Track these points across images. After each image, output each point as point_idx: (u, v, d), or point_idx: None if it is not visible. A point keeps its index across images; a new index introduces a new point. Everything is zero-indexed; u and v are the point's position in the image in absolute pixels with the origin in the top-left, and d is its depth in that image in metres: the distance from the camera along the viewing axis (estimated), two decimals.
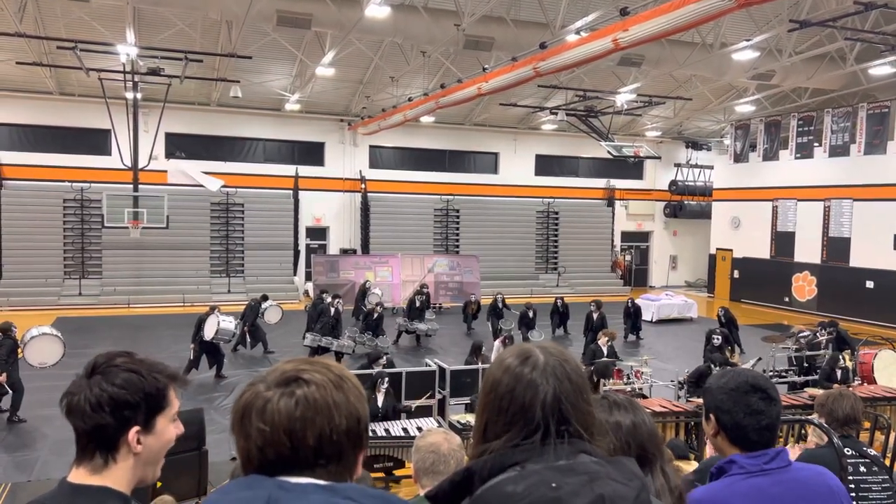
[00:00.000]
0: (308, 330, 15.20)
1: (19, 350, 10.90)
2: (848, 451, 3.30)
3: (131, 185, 20.08)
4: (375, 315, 16.00)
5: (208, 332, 13.26)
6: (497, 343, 15.01)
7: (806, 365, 12.50)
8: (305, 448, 1.26)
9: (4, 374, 10.48)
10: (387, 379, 9.15)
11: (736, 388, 2.12)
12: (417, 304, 18.11)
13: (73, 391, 1.52)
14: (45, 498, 1.52)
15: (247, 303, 16.72)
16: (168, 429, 1.58)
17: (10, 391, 10.61)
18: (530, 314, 17.69)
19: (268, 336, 16.05)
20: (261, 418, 1.27)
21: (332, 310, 14.85)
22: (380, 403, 8.93)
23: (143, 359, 1.57)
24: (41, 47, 18.99)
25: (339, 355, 14.29)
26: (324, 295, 16.55)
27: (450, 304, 23.21)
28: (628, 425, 1.96)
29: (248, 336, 15.78)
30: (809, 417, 3.63)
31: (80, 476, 1.52)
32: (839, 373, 11.22)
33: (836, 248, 23.40)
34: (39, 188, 22.92)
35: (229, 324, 13.50)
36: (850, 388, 10.53)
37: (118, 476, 1.53)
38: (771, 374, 11.90)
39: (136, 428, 1.52)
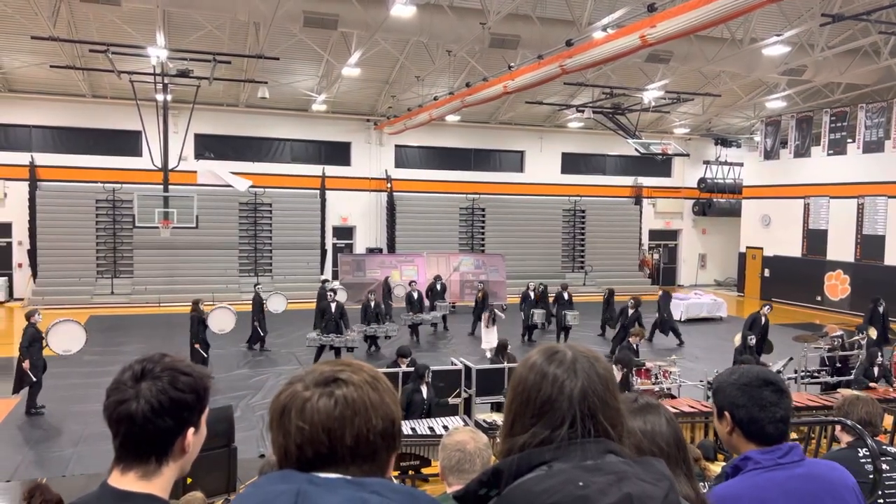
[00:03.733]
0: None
1: (44, 342, 11.05)
2: (866, 451, 3.25)
3: (161, 186, 20.39)
4: (373, 305, 15.92)
5: (224, 326, 13.39)
6: (484, 316, 16.17)
7: (839, 365, 12.27)
8: (343, 447, 1.29)
9: (27, 361, 10.67)
10: (429, 372, 9.12)
11: (748, 382, 2.14)
12: (438, 287, 18.96)
13: (125, 398, 1.49)
14: (87, 501, 1.52)
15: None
16: (204, 425, 1.62)
17: (34, 379, 10.79)
18: (565, 295, 17.89)
19: (287, 333, 16.17)
20: (300, 417, 1.29)
21: (333, 305, 14.61)
22: (425, 395, 8.92)
23: (182, 359, 1.59)
24: (74, 51, 19.37)
25: (346, 350, 14.21)
26: (326, 283, 17.04)
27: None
28: (647, 431, 1.93)
29: (259, 331, 15.89)
30: (841, 418, 3.57)
31: (126, 482, 1.51)
32: (876, 370, 11.01)
33: (871, 246, 22.93)
34: (72, 189, 23.38)
35: (230, 312, 13.74)
36: (885, 391, 10.34)
37: (167, 479, 1.54)
38: (803, 374, 11.71)
39: (192, 429, 1.55)
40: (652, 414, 2.01)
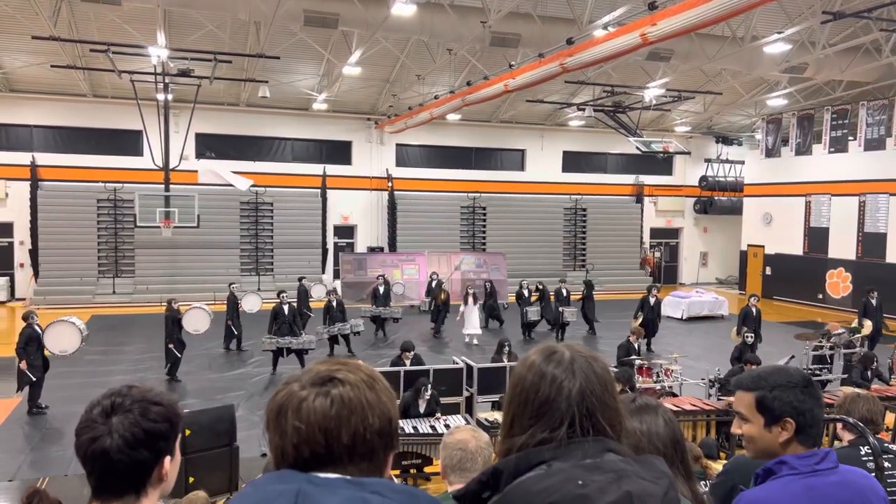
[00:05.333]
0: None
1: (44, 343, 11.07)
2: (867, 449, 3.25)
3: (163, 185, 20.40)
4: (335, 304, 15.60)
5: (199, 326, 13.35)
6: (468, 304, 16.98)
7: (840, 363, 12.27)
8: (339, 446, 1.28)
9: (24, 361, 10.69)
10: (430, 387, 8.96)
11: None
12: (433, 284, 19.13)
13: (97, 434, 1.48)
14: None
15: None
16: (178, 451, 1.60)
17: (33, 378, 10.81)
18: (563, 292, 17.98)
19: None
20: (297, 416, 1.29)
21: (286, 308, 14.29)
22: (422, 409, 8.85)
23: (150, 388, 1.58)
24: (75, 50, 19.37)
25: (303, 352, 14.04)
26: (303, 280, 17.69)
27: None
28: (643, 431, 1.92)
29: (234, 329, 15.79)
30: (843, 416, 3.57)
31: None
32: (869, 373, 11.02)
33: (872, 243, 22.90)
34: (74, 189, 23.39)
35: (205, 312, 13.71)
36: (886, 388, 10.33)
37: None
38: (806, 371, 11.69)
39: (168, 458, 1.54)
40: (649, 414, 2.00)
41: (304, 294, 17.62)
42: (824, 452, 2.03)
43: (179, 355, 13.11)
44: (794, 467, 1.99)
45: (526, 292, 18.26)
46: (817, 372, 11.99)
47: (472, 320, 16.92)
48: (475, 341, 16.77)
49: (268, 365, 14.27)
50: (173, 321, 13.10)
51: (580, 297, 18.51)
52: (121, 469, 1.48)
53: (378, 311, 17.58)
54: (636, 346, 12.56)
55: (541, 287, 18.38)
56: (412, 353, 10.59)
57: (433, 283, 19.50)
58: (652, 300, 16.80)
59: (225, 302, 16.39)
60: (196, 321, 13.64)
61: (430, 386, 8.98)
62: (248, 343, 15.92)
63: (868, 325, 14.93)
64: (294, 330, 14.14)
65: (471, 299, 17.05)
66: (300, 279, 18.91)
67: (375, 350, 15.99)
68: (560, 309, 17.52)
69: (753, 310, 14.79)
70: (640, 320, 16.72)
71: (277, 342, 13.80)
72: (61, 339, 11.19)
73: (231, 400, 10.62)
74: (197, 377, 13.53)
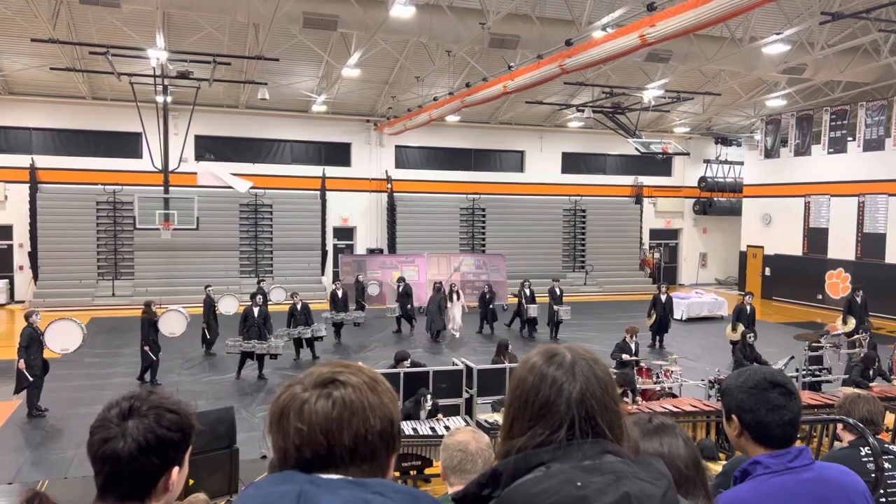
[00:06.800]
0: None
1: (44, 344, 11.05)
2: (867, 450, 3.25)
3: (162, 188, 20.39)
4: (299, 307, 15.26)
5: (175, 329, 13.30)
6: (453, 301, 17.85)
7: (841, 364, 12.27)
8: (341, 448, 1.29)
9: (23, 361, 10.68)
10: (430, 397, 8.91)
11: (755, 385, 2.10)
12: (400, 288, 19.38)
13: (111, 436, 1.48)
14: None
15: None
16: (187, 463, 1.59)
17: (30, 379, 10.80)
18: (557, 291, 18.16)
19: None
20: (299, 418, 1.30)
21: (256, 310, 14.03)
22: (422, 419, 8.82)
23: (168, 396, 1.58)
24: (74, 53, 19.38)
25: (271, 357, 13.90)
26: (262, 284, 17.45)
27: (473, 303, 23.17)
28: (664, 454, 1.90)
29: (206, 333, 15.68)
30: (843, 417, 3.57)
31: None
32: (871, 372, 11.03)
33: (872, 244, 22.92)
34: (73, 191, 23.39)
35: (181, 315, 13.66)
36: (886, 389, 10.32)
37: None
38: (804, 372, 11.71)
39: (176, 468, 1.53)
40: (668, 435, 1.98)
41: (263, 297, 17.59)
42: (797, 450, 2.09)
43: (155, 358, 12.95)
44: (768, 466, 2.06)
45: (528, 292, 18.32)
46: (817, 373, 12.00)
47: (455, 316, 17.89)
48: (457, 335, 17.71)
49: (268, 367, 14.26)
50: (150, 324, 12.97)
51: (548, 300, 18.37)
52: (128, 474, 1.48)
53: (340, 318, 17.32)
54: (631, 344, 12.55)
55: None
56: (408, 361, 10.54)
57: (400, 288, 19.28)
58: (663, 297, 16.98)
59: (250, 303, 16.28)
60: (171, 324, 13.51)
61: (430, 396, 8.93)
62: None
63: (852, 322, 15.22)
64: (263, 333, 13.89)
65: (455, 296, 17.85)
66: (259, 282, 18.93)
67: (344, 356, 15.86)
68: (555, 307, 17.65)
69: (748, 307, 14.86)
70: (653, 319, 16.89)
71: (241, 345, 13.61)
72: (62, 337, 11.16)
73: (230, 402, 10.60)
74: (197, 379, 13.51)
